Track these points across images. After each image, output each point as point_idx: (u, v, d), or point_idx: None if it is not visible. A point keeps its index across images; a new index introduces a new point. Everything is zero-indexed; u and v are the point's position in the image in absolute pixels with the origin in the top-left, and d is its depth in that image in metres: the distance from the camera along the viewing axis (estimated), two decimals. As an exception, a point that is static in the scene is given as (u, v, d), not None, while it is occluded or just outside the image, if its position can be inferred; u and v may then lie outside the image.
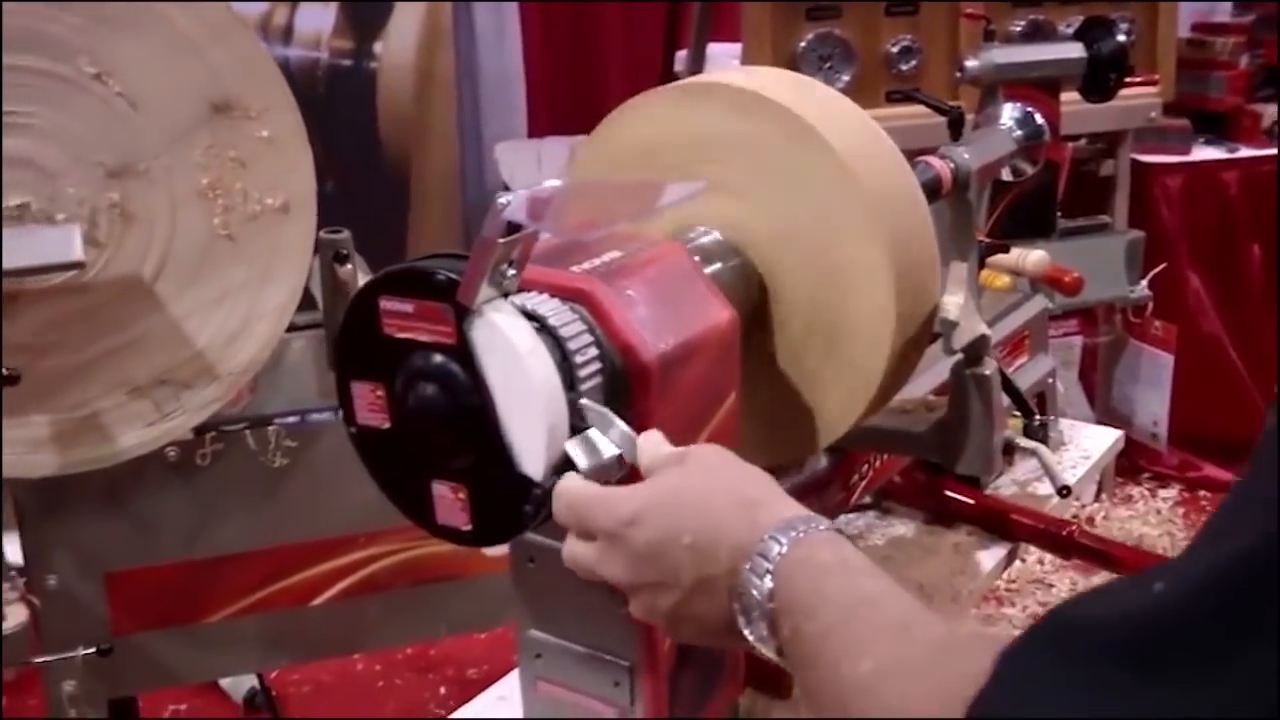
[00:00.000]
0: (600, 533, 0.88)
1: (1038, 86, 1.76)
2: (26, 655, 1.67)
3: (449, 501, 0.98)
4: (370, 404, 0.99)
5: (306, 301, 1.76)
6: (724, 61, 3.15)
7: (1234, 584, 0.55)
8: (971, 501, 1.53)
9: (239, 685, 2.82)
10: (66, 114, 1.52)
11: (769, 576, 0.79)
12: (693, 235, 1.17)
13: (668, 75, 3.36)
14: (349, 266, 1.74)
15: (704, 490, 0.86)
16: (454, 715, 1.27)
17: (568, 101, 3.79)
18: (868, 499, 1.49)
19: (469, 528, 0.99)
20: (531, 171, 3.37)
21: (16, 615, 1.53)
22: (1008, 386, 1.26)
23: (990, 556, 1.48)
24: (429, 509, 1.00)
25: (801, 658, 0.77)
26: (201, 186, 1.60)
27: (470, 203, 3.60)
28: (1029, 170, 1.69)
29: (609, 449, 0.92)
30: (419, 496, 1.00)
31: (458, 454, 0.95)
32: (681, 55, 3.37)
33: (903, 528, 1.53)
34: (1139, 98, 3.15)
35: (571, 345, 0.96)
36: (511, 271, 0.92)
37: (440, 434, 0.95)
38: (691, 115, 1.17)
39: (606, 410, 0.93)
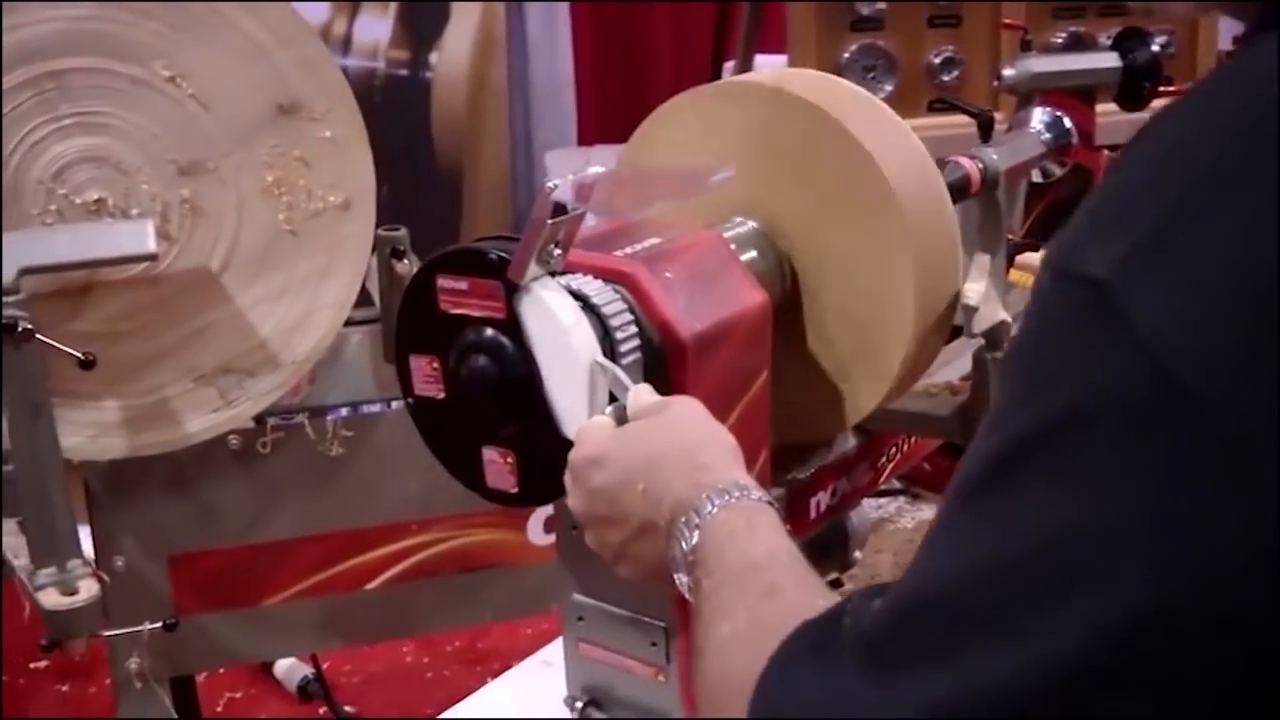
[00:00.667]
0: (570, 466, 0.97)
1: (1073, 95, 1.81)
2: (110, 630, 1.75)
3: (498, 466, 1.06)
4: (426, 376, 1.07)
5: (362, 297, 1.83)
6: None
7: (948, 593, 0.62)
8: None
9: (292, 674, 2.91)
10: (142, 114, 1.61)
11: (696, 532, 0.86)
12: (729, 225, 1.23)
13: (715, 85, 3.42)
14: (405, 262, 1.81)
15: (664, 445, 0.93)
16: (500, 679, 1.34)
17: (617, 110, 3.86)
18: (897, 484, 1.54)
19: (516, 490, 1.06)
20: (581, 178, 3.44)
21: (88, 589, 1.61)
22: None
23: None
24: (480, 473, 1.07)
25: (696, 609, 0.85)
26: (267, 184, 1.68)
27: (521, 209, 3.67)
28: (1057, 172, 1.75)
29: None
30: (470, 462, 1.08)
31: (506, 421, 1.03)
32: (729, 66, 3.44)
33: (930, 512, 1.59)
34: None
35: (613, 322, 1.03)
36: (558, 251, 1.00)
37: (490, 402, 1.02)
38: (729, 113, 1.24)
39: (610, 364, 1.00)
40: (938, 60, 3.06)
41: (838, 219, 1.20)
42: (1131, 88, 1.89)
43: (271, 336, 1.73)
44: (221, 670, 2.68)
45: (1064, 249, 0.61)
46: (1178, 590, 0.55)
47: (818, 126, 1.19)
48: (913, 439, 1.44)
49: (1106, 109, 1.79)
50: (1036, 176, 1.74)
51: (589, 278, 1.06)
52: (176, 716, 1.86)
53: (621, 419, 0.97)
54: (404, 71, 3.38)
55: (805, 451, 1.29)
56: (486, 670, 3.03)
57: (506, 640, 3.07)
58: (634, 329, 1.05)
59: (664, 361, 1.06)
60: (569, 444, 0.99)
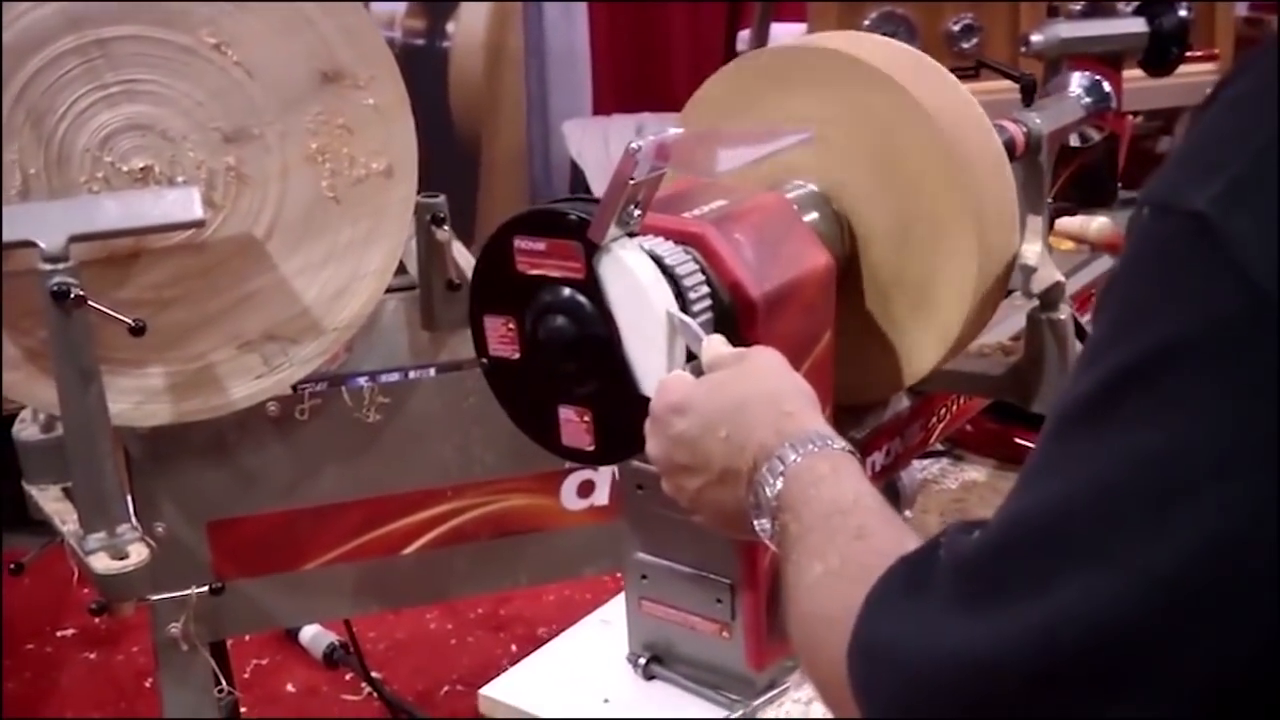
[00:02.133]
0: (651, 414, 0.99)
1: (1100, 60, 1.82)
2: (150, 595, 1.76)
3: (574, 425, 1.08)
4: (502, 336, 1.09)
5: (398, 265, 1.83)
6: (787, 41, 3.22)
7: (1047, 522, 0.63)
8: None
9: (319, 641, 2.92)
10: (188, 82, 1.61)
11: (780, 479, 0.89)
12: (790, 187, 1.25)
13: (730, 55, 3.44)
14: (445, 229, 1.82)
15: (746, 394, 0.95)
16: (558, 639, 1.36)
17: (631, 80, 3.87)
18: (940, 446, 1.56)
19: (593, 448, 1.08)
20: (599, 148, 3.44)
21: (138, 553, 1.63)
22: (1080, 332, 1.34)
23: None
24: (554, 432, 1.10)
25: (784, 552, 0.87)
26: (311, 151, 1.68)
27: (536, 177, 3.67)
28: (1095, 137, 1.77)
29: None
30: (545, 421, 1.10)
31: (584, 380, 1.05)
32: (744, 35, 3.45)
33: (975, 473, 1.63)
34: (1197, 75, 3.19)
35: (686, 283, 1.06)
36: (637, 212, 1.02)
37: (568, 362, 1.05)
38: (785, 77, 1.25)
39: (685, 316, 1.02)
40: (957, 27, 3.07)
41: (898, 179, 1.22)
42: (1158, 53, 1.90)
43: (315, 303, 1.73)
44: (248, 637, 2.69)
45: (1163, 187, 0.63)
46: (1277, 510, 0.57)
47: (877, 88, 1.21)
48: (960, 400, 1.47)
49: (1127, 75, 1.80)
50: (1074, 140, 1.75)
51: (660, 239, 1.08)
52: (223, 681, 1.87)
53: (700, 373, 0.99)
54: (421, 41, 3.38)
55: (861, 412, 1.31)
56: (510, 637, 3.06)
57: (530, 607, 3.09)
58: (706, 289, 1.07)
59: (734, 321, 1.08)
60: (646, 401, 1.01)
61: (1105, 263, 1.74)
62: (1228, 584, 0.58)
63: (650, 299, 1.00)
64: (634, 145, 0.96)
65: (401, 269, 1.85)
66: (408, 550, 1.99)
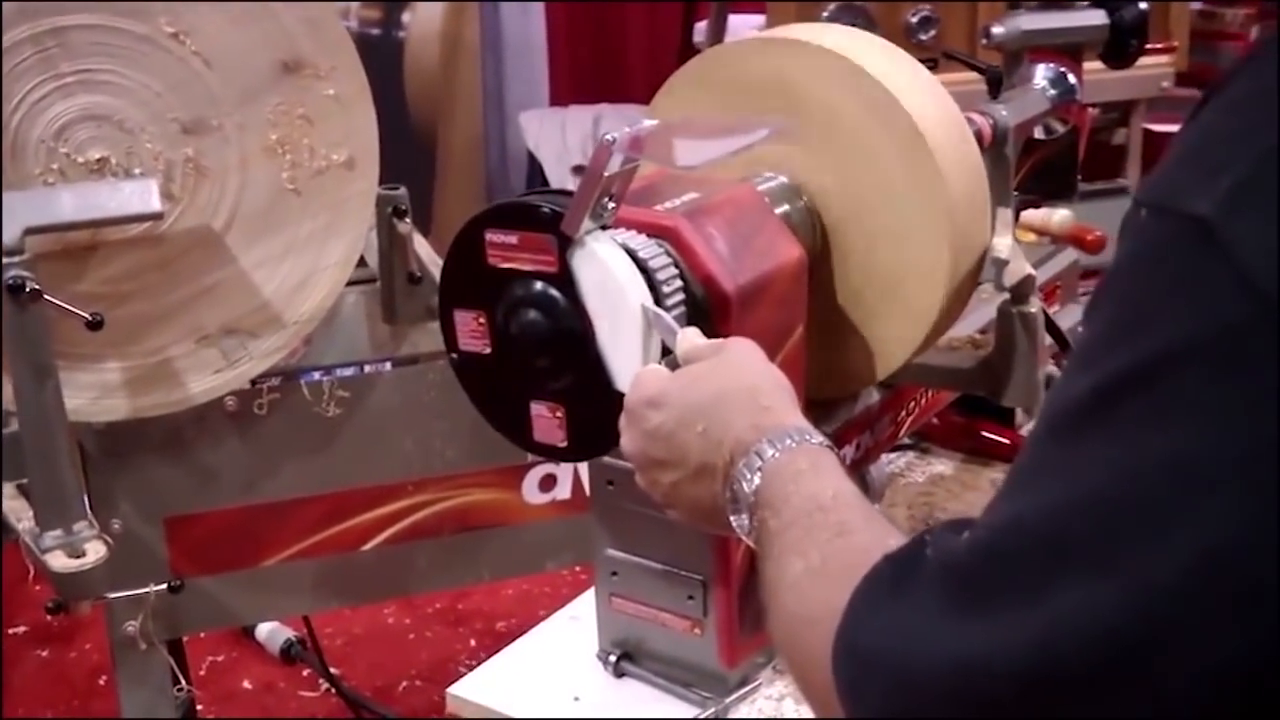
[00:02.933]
0: (625, 409, 0.98)
1: (1061, 52, 1.82)
2: (106, 593, 1.73)
3: (547, 420, 1.07)
4: (472, 331, 1.08)
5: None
6: (745, 33, 3.22)
7: (1045, 529, 0.62)
8: (1007, 441, 1.61)
9: (275, 637, 2.90)
10: (145, 72, 1.59)
11: (758, 474, 0.88)
12: (759, 179, 1.24)
13: (687, 46, 3.43)
14: (407, 221, 1.81)
15: (723, 388, 0.94)
16: (526, 636, 1.34)
17: (588, 70, 3.86)
18: (907, 440, 1.56)
19: (565, 444, 1.07)
20: (556, 139, 3.43)
21: (95, 551, 1.60)
22: (1050, 325, 1.34)
23: None
24: (526, 428, 1.08)
25: (762, 549, 0.86)
26: (271, 143, 1.66)
27: (493, 168, 3.66)
28: (1060, 129, 1.76)
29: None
30: (517, 417, 1.09)
31: (557, 375, 1.04)
32: (701, 27, 3.44)
33: (942, 466, 1.62)
34: (1152, 67, 3.22)
35: (659, 277, 1.05)
36: (611, 205, 1.01)
37: (541, 356, 1.04)
38: (752, 68, 1.25)
39: (659, 310, 1.01)
40: (915, 19, 3.08)
41: (867, 169, 1.21)
42: (1118, 45, 1.90)
43: (275, 296, 1.71)
44: (203, 634, 2.66)
45: (1162, 188, 0.62)
46: (1277, 520, 0.56)
47: (843, 76, 1.20)
48: (929, 393, 1.46)
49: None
50: (1038, 133, 1.75)
51: (633, 232, 1.07)
52: (181, 679, 1.85)
53: (675, 367, 0.98)
54: (376, 31, 3.36)
55: (831, 406, 1.30)
56: (469, 631, 3.05)
57: (489, 601, 3.08)
58: (679, 283, 1.06)
59: (708, 315, 1.07)
60: (620, 397, 1.00)
61: (1069, 256, 1.74)
62: (1228, 593, 0.57)
63: (625, 293, 1.00)
64: (608, 137, 0.95)
65: (361, 262, 1.84)
66: (368, 546, 1.98)
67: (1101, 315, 0.64)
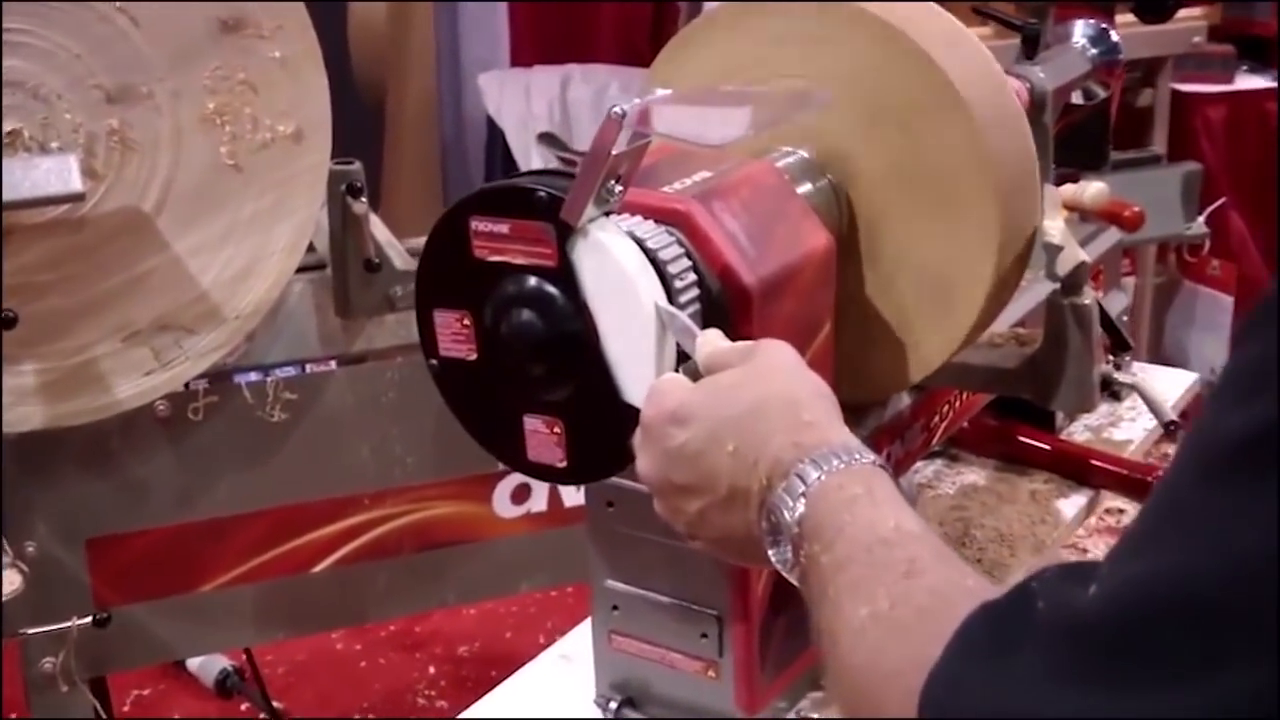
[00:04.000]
0: (643, 425, 0.94)
1: (1091, 5, 1.79)
2: (21, 626, 1.69)
3: (543, 437, 1.03)
4: (455, 334, 1.04)
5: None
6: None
7: (1199, 592, 0.59)
8: (1047, 447, 1.58)
9: (209, 667, 2.84)
10: (62, 31, 1.54)
11: (802, 501, 0.84)
12: (776, 155, 1.20)
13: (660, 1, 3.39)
14: (362, 200, 1.77)
15: (757, 399, 0.90)
16: (511, 679, 1.31)
17: (553, 27, 3.81)
18: (935, 446, 1.53)
19: (564, 464, 1.03)
20: (519, 104, 3.40)
21: (10, 582, 1.56)
22: (1104, 319, 1.31)
23: (1070, 505, 1.53)
24: (518, 445, 1.04)
25: (812, 589, 0.82)
26: (208, 112, 1.62)
27: (447, 136, 3.62)
28: (1101, 93, 1.73)
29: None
30: (507, 432, 1.05)
31: (555, 384, 1.00)
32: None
33: (973, 475, 1.58)
34: (1183, 20, 3.20)
35: (670, 269, 1.00)
36: (618, 188, 0.96)
37: (536, 363, 1.00)
38: (766, 30, 1.20)
39: (677, 311, 0.97)
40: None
41: (903, 143, 1.18)
42: (1154, -1, 1.87)
43: (214, 287, 1.68)
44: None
45: None
46: None
47: (872, 36, 1.16)
48: (964, 396, 1.43)
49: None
50: (1077, 97, 1.71)
51: (637, 218, 1.03)
52: (104, 717, 1.81)
53: (696, 376, 0.94)
54: (316, -18, 3.30)
55: (859, 412, 1.26)
56: (427, 657, 3.01)
57: (449, 623, 3.04)
58: (692, 276, 1.02)
59: (725, 313, 1.03)
60: (628, 410, 0.97)
61: (1111, 237, 1.71)
62: None
63: (636, 290, 0.96)
64: (617, 109, 0.91)
65: (310, 247, 1.81)
66: (319, 567, 1.97)
67: (1262, 336, 0.60)
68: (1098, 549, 1.47)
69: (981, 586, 0.75)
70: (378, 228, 1.90)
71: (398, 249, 1.88)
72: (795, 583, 0.85)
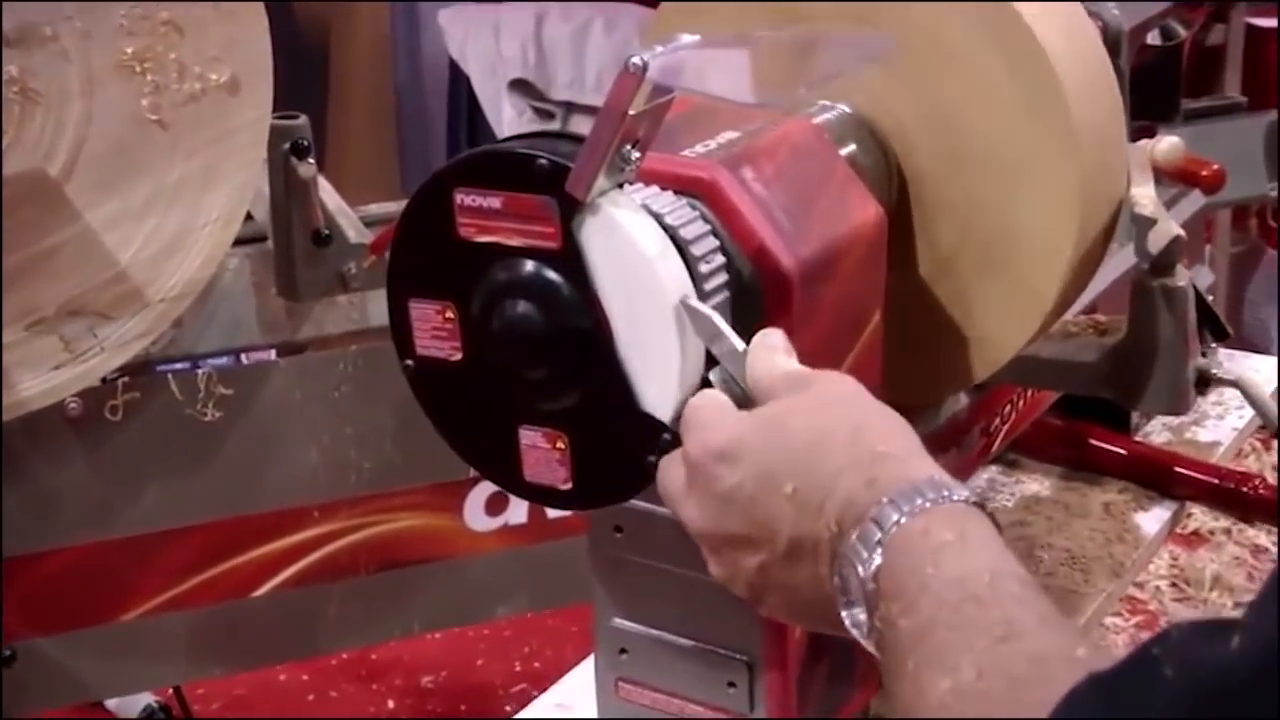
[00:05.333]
0: (688, 463, 0.90)
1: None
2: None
3: (543, 453, 1.00)
4: (436, 330, 1.01)
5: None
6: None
7: None
8: (1122, 451, 1.56)
9: (131, 703, 2.84)
10: (-51, -37, 1.52)
11: (879, 551, 0.80)
12: (813, 111, 1.17)
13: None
14: (309, 162, 1.76)
15: (821, 430, 0.86)
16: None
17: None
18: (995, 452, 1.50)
19: (569, 485, 1.00)
20: (487, 46, 3.38)
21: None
22: (1200, 304, 1.27)
23: (1152, 519, 1.50)
24: (514, 463, 1.02)
25: (890, 660, 0.79)
26: (125, 58, 1.60)
27: (403, 85, 3.60)
28: (1181, 32, 1.71)
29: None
30: (500, 448, 1.02)
31: (559, 391, 0.97)
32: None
33: (1035, 484, 1.57)
34: (1256, -55, 3.17)
35: (694, 250, 0.97)
36: (635, 155, 0.93)
37: (536, 365, 0.97)
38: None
39: (713, 313, 0.93)
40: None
41: (964, 93, 1.15)
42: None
43: (134, 265, 1.66)
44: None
45: None
46: None
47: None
48: (1027, 393, 1.41)
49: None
50: (1153, 38, 1.70)
51: (653, 189, 1.00)
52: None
53: (736, 390, 0.92)
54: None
55: (909, 415, 1.22)
56: (386, 689, 3.03)
57: (410, 650, 3.05)
58: (720, 259, 0.99)
59: (758, 301, 1.00)
60: (645, 421, 0.94)
61: (1194, 203, 1.67)
62: None
63: (658, 277, 0.92)
64: (636, 61, 0.87)
65: (249, 216, 1.80)
66: (261, 591, 1.98)
67: None
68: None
69: (1095, 656, 0.71)
70: (327, 193, 1.88)
71: (350, 218, 1.86)
72: (874, 653, 0.81)
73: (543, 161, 0.92)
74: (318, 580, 1.98)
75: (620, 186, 0.94)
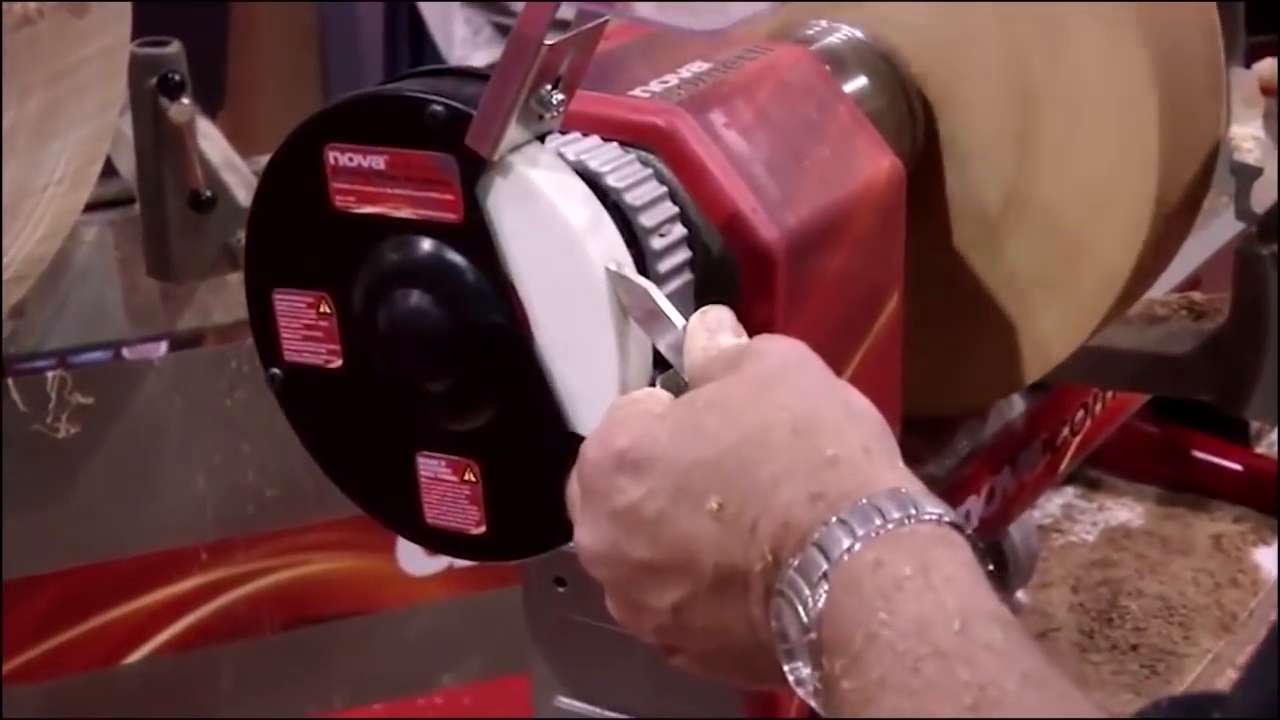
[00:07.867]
0: (579, 473, 0.90)
1: None
2: None
3: (449, 488, 1.02)
4: (308, 329, 1.03)
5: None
6: None
7: None
8: (1238, 467, 1.56)
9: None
10: None
11: (825, 586, 0.79)
12: (810, 33, 1.20)
13: None
14: (185, 103, 1.73)
15: (756, 424, 0.85)
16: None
17: None
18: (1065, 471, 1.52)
19: (483, 530, 1.02)
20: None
21: None
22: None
23: (1273, 555, 1.50)
24: (412, 501, 1.04)
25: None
26: (-62, -30, 1.61)
27: (327, 15, 3.61)
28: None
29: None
30: (394, 481, 1.04)
31: (466, 408, 0.99)
32: None
33: (1125, 511, 1.57)
34: None
35: (644, 221, 0.99)
36: (558, 98, 0.93)
37: (436, 374, 0.98)
38: None
39: (649, 285, 0.94)
40: None
41: (1013, 18, 1.17)
42: None
43: None
44: None
45: None
46: None
47: None
48: (1106, 396, 1.43)
49: None
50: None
51: (593, 140, 1.01)
52: None
53: (680, 390, 0.91)
54: None
55: (942, 429, 1.29)
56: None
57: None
58: (680, 230, 1.01)
59: (732, 283, 1.03)
60: (581, 445, 0.93)
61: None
62: None
63: (587, 256, 0.93)
64: (551, -24, 0.88)
65: (109, 171, 1.81)
66: (132, 658, 2.01)
67: None
68: None
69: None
70: (210, 142, 1.87)
71: (241, 174, 1.86)
72: (820, 711, 0.81)
73: (437, 108, 0.93)
74: (207, 643, 2.00)
75: (541, 139, 0.95)
